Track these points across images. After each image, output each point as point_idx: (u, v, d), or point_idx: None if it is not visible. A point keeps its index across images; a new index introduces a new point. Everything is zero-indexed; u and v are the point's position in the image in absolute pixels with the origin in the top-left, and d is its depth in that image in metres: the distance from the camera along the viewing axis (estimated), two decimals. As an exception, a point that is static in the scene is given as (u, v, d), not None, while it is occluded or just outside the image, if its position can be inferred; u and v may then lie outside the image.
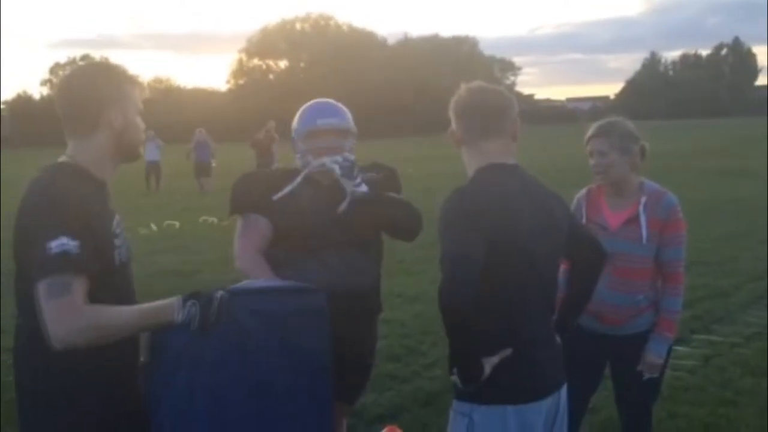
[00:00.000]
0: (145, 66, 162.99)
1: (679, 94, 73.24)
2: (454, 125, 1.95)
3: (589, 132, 2.54)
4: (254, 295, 1.84)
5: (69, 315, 1.53)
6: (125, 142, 1.75)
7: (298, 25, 69.44)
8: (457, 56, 72.95)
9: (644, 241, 2.46)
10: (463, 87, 1.95)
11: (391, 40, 71.65)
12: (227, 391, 1.77)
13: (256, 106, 53.00)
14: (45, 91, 63.19)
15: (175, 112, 53.08)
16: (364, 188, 2.45)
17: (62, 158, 1.75)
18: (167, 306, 1.66)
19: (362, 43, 65.22)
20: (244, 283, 1.93)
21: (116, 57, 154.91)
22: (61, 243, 1.52)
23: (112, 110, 1.70)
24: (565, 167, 15.86)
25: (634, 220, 2.47)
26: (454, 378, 1.83)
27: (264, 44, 67.30)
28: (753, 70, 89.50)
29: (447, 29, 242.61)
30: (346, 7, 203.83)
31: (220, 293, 1.70)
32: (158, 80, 65.70)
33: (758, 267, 6.93)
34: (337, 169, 2.41)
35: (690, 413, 3.59)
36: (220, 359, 1.75)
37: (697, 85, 76.55)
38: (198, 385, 1.75)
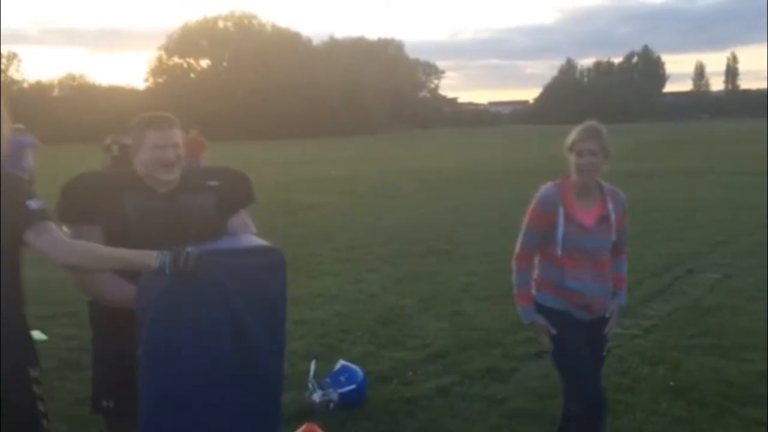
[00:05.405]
0: (56, 62, 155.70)
1: (594, 100, 76.39)
2: None
3: (580, 134, 2.81)
4: (225, 253, 2.16)
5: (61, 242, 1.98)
6: None
7: (220, 24, 68.08)
8: (383, 58, 73.41)
9: (613, 236, 2.84)
10: None
11: (316, 41, 71.46)
12: (214, 338, 2.09)
13: (176, 105, 51.61)
14: (-54, 85, 59.52)
15: (89, 111, 50.85)
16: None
17: None
18: (146, 254, 2.03)
19: (286, 43, 64.54)
20: (216, 244, 2.20)
21: (25, 53, 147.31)
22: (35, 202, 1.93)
23: None
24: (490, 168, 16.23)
25: (606, 218, 2.82)
26: None
27: (185, 42, 65.61)
28: (661, 78, 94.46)
29: (372, 31, 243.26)
30: (271, 6, 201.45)
31: (189, 248, 2.03)
32: (71, 77, 62.96)
33: (658, 263, 7.40)
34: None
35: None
36: (203, 307, 2.06)
37: (610, 91, 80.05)
38: (187, 331, 2.05)
